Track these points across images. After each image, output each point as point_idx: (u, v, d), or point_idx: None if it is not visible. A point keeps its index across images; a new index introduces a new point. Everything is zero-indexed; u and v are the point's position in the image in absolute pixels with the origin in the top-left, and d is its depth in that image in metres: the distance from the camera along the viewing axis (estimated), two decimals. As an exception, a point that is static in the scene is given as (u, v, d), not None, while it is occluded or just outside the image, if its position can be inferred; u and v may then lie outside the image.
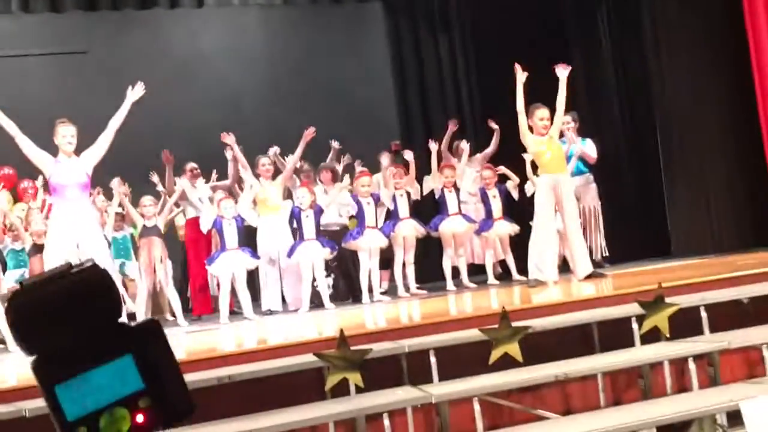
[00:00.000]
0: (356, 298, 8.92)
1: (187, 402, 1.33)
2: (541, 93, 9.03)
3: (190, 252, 9.48)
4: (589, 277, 8.05)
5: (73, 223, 7.13)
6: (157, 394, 1.31)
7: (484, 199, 9.35)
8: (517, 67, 8.26)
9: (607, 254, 9.68)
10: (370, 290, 8.76)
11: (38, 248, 8.28)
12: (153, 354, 1.32)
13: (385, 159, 9.65)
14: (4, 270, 8.57)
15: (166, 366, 1.33)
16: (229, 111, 12.15)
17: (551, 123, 8.16)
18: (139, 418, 1.29)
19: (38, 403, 4.51)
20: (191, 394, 1.37)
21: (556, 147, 8.19)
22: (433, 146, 9.28)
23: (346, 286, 9.27)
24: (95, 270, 1.31)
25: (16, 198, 11.56)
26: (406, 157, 9.35)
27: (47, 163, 7.31)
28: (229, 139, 9.19)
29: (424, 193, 9.31)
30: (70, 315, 1.29)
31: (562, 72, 8.25)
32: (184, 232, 9.58)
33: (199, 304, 9.38)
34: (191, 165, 9.65)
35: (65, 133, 7.32)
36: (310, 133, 9.19)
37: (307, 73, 12.43)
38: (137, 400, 1.30)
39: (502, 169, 9.48)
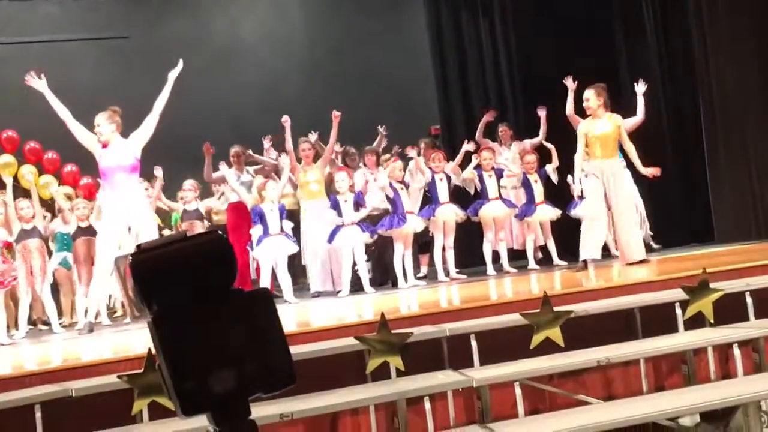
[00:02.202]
0: (393, 283, 8.93)
1: (290, 371, 1.42)
2: (583, 75, 8.96)
3: (231, 237, 9.53)
4: (638, 262, 7.92)
5: (122, 205, 7.21)
6: (263, 360, 1.38)
7: (526, 183, 9.31)
8: (568, 79, 8.73)
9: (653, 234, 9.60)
10: (405, 275, 8.76)
11: (83, 231, 8.39)
12: (262, 321, 1.40)
13: (420, 146, 9.59)
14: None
15: (274, 334, 1.41)
16: (268, 95, 12.20)
17: (602, 104, 7.97)
18: (245, 379, 1.37)
19: (85, 383, 4.59)
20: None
21: (604, 133, 8.03)
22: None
23: (379, 272, 9.27)
24: (215, 237, 1.41)
25: (60, 181, 11.73)
26: (467, 147, 9.29)
27: (97, 146, 7.37)
28: (287, 123, 9.18)
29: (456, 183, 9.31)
30: (188, 276, 1.37)
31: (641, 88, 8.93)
32: (226, 216, 9.62)
33: (240, 287, 9.46)
34: (234, 150, 9.65)
35: (97, 122, 7.40)
36: (337, 115, 9.17)
37: (346, 57, 12.43)
38: (244, 362, 1.37)
39: (548, 146, 9.44)
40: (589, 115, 8.05)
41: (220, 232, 1.42)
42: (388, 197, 8.82)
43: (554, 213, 9.31)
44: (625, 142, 8.07)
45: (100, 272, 7.40)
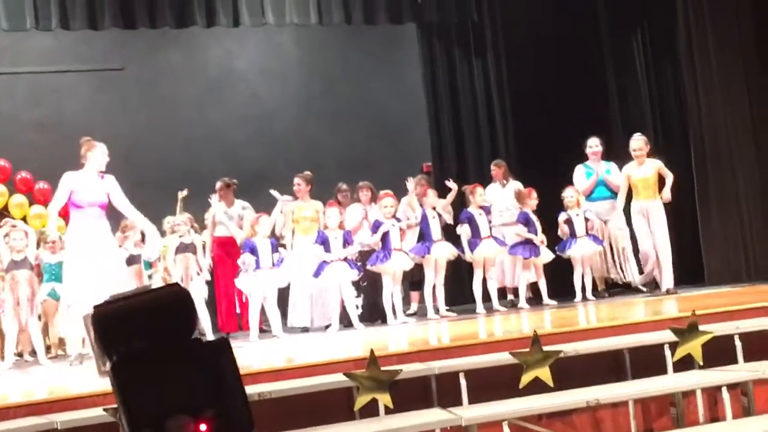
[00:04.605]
0: (382, 320, 8.89)
1: (248, 418, 1.44)
2: (575, 116, 9.03)
3: (217, 270, 9.47)
4: (668, 291, 9.02)
5: (90, 239, 7.16)
6: (221, 407, 1.41)
7: (529, 222, 9.28)
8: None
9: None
10: (394, 312, 8.73)
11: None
12: (221, 369, 1.44)
13: (410, 183, 9.57)
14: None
15: (232, 382, 1.45)
16: (262, 129, 12.23)
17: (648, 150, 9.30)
18: (202, 427, 1.40)
19: (70, 416, 4.56)
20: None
21: (644, 177, 9.16)
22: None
23: (371, 308, 9.24)
24: (175, 290, 1.48)
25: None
26: (449, 185, 9.31)
27: (72, 187, 7.36)
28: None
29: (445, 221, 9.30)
30: (148, 326, 1.42)
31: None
32: (212, 249, 9.55)
33: (226, 321, 9.40)
34: (219, 184, 9.56)
35: (105, 151, 7.41)
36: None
37: (340, 93, 12.49)
38: (202, 409, 1.41)
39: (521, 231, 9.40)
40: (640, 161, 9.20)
41: (181, 286, 1.50)
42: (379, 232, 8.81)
43: (551, 255, 9.33)
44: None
45: (77, 303, 7.29)
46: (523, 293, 9.31)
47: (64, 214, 11.29)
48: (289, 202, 9.33)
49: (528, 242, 9.28)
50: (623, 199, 9.33)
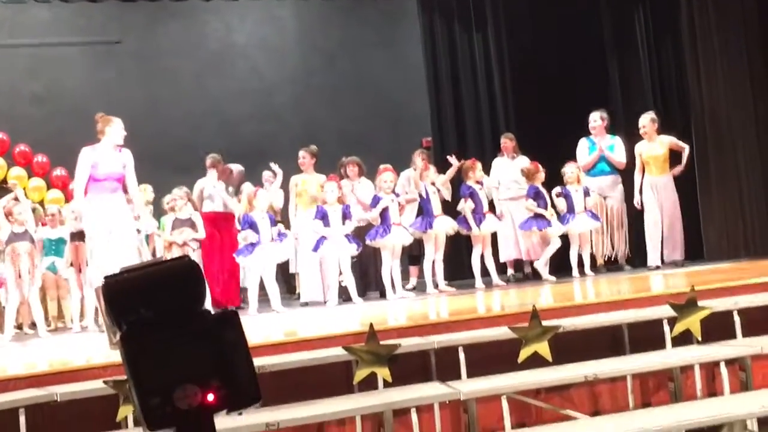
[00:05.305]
0: (381, 294, 8.90)
1: (255, 389, 1.47)
2: (575, 93, 8.97)
3: (205, 245, 9.42)
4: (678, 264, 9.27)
5: (108, 212, 7.24)
6: (228, 378, 1.45)
7: (541, 195, 9.26)
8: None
9: (630, 255, 9.72)
10: (393, 286, 8.73)
11: (78, 235, 8.35)
12: (228, 341, 1.47)
13: (417, 158, 9.53)
14: None
15: (239, 354, 1.47)
16: (261, 102, 12.21)
17: (656, 129, 9.39)
18: (210, 396, 1.43)
19: (69, 388, 4.57)
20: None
21: (656, 154, 9.33)
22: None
23: (363, 283, 9.24)
24: (183, 262, 1.49)
25: (50, 185, 11.69)
26: (451, 160, 9.28)
27: (91, 162, 7.40)
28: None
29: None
30: (156, 297, 1.45)
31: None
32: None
33: (221, 296, 9.37)
34: (210, 160, 9.46)
35: (122, 125, 7.46)
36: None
37: (340, 67, 12.45)
38: (209, 380, 1.44)
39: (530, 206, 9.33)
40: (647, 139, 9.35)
41: (191, 258, 1.51)
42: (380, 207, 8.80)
43: (562, 228, 9.31)
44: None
45: (99, 274, 7.36)
46: (542, 268, 9.23)
47: (63, 186, 11.33)
48: (274, 177, 9.29)
49: (538, 216, 9.25)
50: (640, 176, 9.41)
